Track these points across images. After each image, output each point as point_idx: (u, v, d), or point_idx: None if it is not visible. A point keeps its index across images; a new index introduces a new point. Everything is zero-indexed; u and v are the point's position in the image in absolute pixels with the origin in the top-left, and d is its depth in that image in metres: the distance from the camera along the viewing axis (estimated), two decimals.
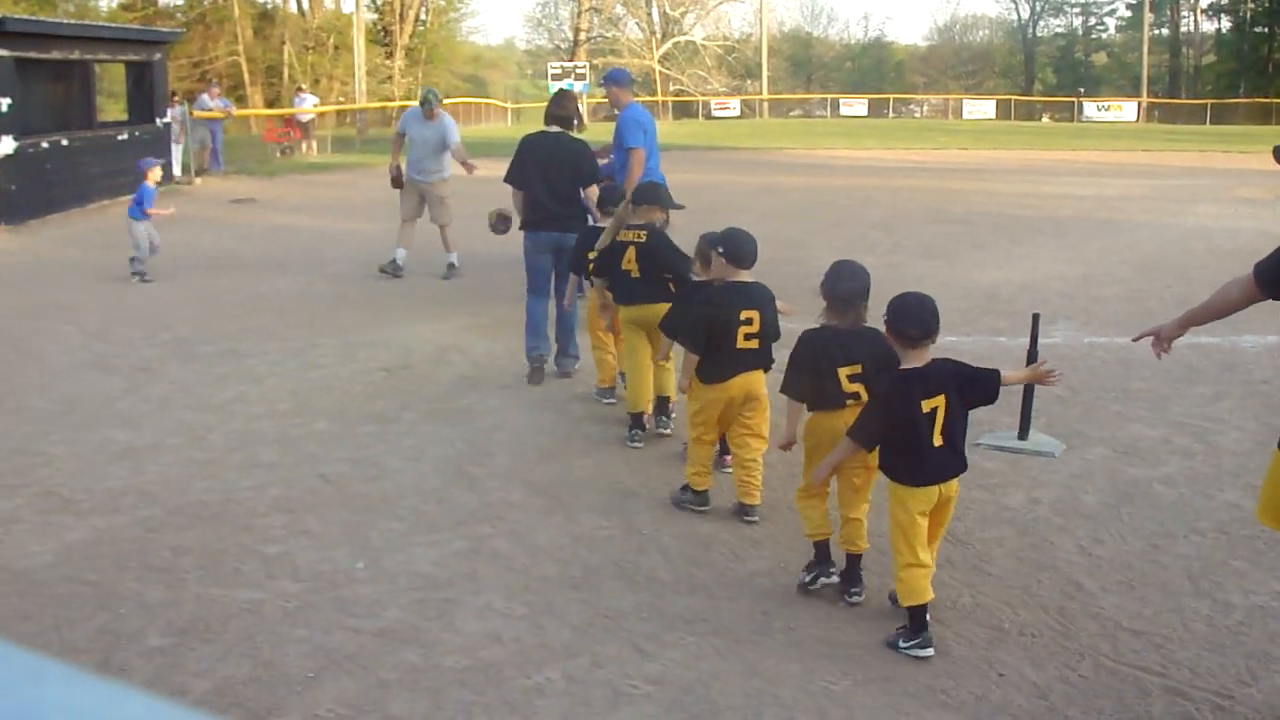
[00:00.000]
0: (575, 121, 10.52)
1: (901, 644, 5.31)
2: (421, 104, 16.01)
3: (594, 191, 9.99)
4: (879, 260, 15.55)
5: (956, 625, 5.50)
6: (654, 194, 8.78)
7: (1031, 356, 8.20)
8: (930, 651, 5.27)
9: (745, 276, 6.91)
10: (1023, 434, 8.21)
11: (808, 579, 5.97)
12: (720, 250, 6.92)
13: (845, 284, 5.92)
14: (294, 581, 6.01)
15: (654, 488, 7.44)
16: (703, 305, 6.96)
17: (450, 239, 15.99)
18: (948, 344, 7.98)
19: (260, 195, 26.41)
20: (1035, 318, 8.45)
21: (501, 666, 5.12)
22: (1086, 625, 5.55)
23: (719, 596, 5.83)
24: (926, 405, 5.25)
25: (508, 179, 10.31)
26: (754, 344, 6.83)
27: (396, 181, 15.93)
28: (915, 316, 5.38)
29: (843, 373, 5.88)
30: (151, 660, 5.19)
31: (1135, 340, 5.55)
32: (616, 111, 11.96)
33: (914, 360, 5.41)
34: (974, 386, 5.45)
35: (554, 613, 5.65)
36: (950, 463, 5.41)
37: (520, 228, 10.32)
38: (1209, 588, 5.91)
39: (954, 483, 5.46)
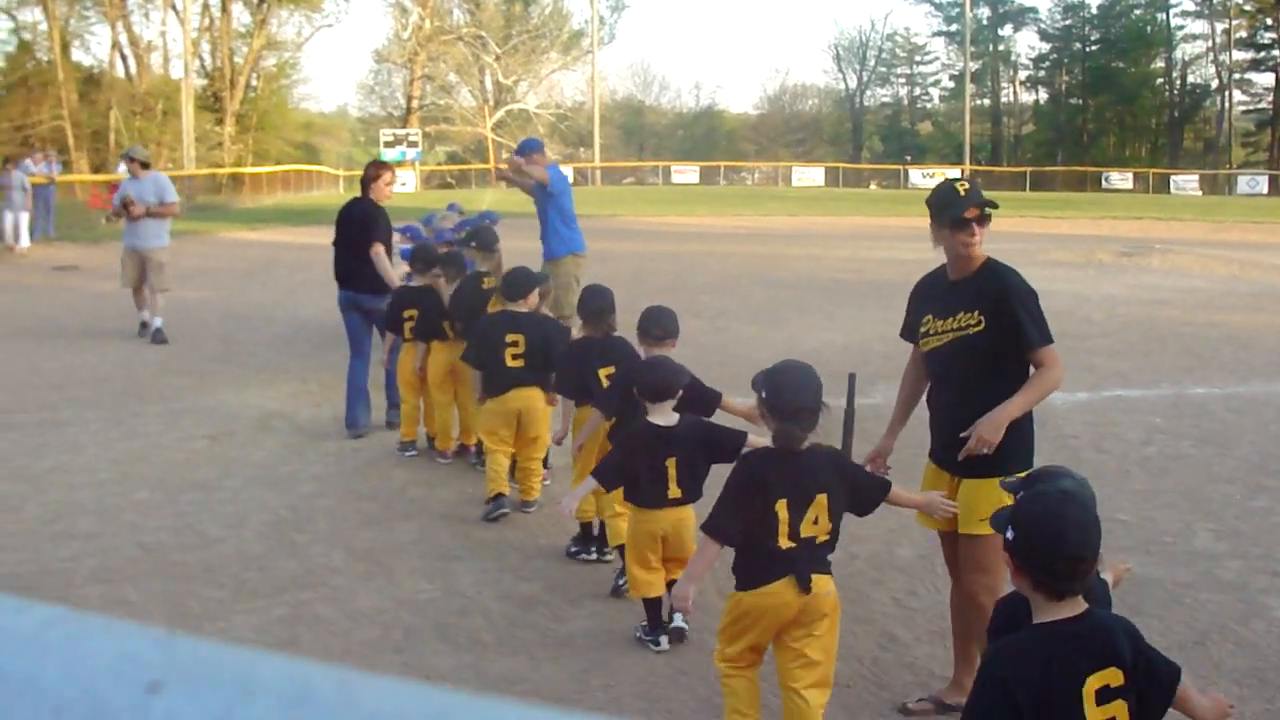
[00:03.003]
0: (370, 185, 11.00)
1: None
2: (126, 158, 16.03)
3: (378, 248, 10.55)
4: (706, 324, 15.82)
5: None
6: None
7: (848, 414, 8.40)
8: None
9: (519, 307, 8.27)
10: None
11: (573, 549, 7.35)
12: (499, 287, 8.66)
13: (594, 301, 7.36)
14: None
15: (477, 550, 7.47)
16: (478, 329, 8.47)
17: (161, 304, 15.87)
18: None
19: (84, 262, 25.91)
20: (851, 377, 8.62)
21: None
22: (900, 675, 5.70)
23: (540, 657, 5.88)
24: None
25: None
26: (521, 363, 8.10)
27: (129, 204, 15.53)
28: (656, 320, 6.59)
29: (601, 373, 7.15)
30: None
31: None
32: (532, 178, 12.08)
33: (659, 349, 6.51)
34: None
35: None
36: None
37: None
38: None
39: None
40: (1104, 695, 3.19)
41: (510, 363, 8.10)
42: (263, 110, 79.01)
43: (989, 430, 4.90)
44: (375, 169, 11.12)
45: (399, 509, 8.35)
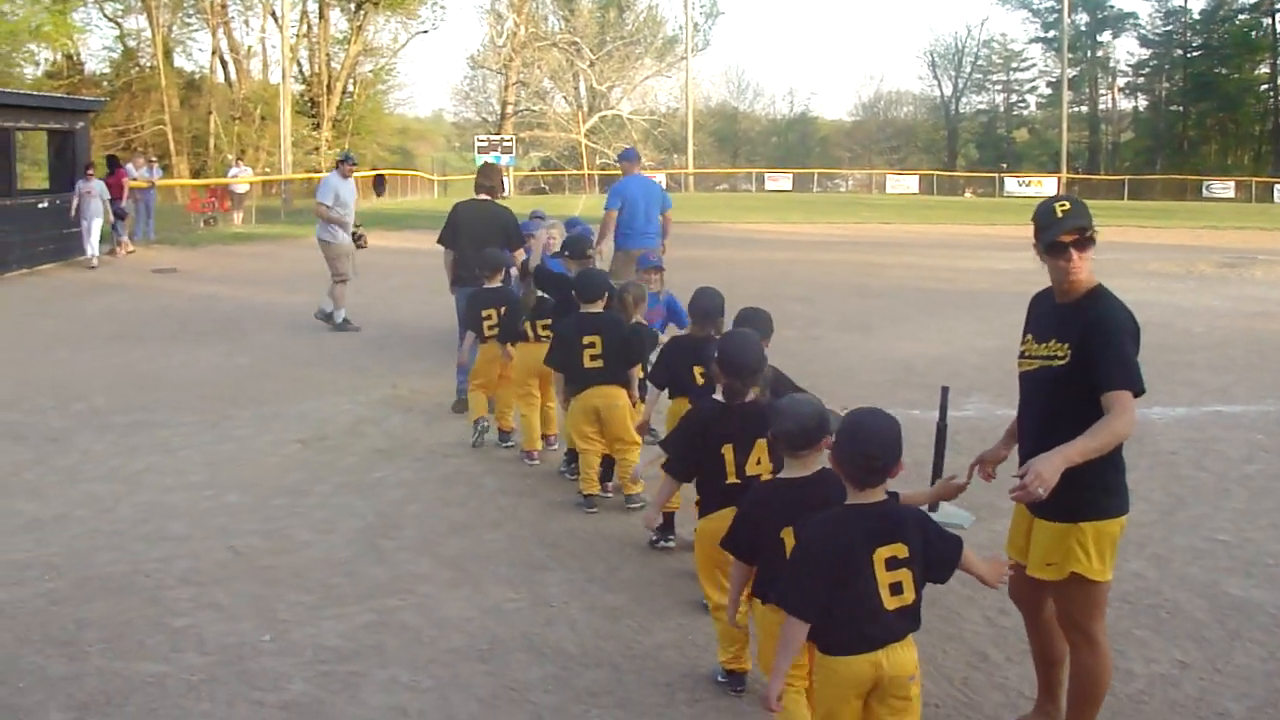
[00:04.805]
0: (499, 190, 11.90)
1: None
2: (347, 161, 16.99)
3: (519, 254, 11.27)
4: (798, 333, 15.71)
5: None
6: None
7: (940, 429, 8.31)
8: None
9: (595, 308, 8.61)
10: (933, 506, 8.26)
11: (654, 539, 7.64)
12: (574, 290, 8.85)
13: (703, 302, 7.56)
14: (199, 654, 5.95)
15: (564, 560, 7.44)
16: (559, 332, 8.80)
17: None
18: None
19: (182, 265, 26.28)
20: (944, 390, 8.55)
21: None
22: (991, 696, 5.60)
23: (625, 669, 5.84)
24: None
25: (440, 240, 11.65)
26: (599, 364, 8.40)
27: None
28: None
29: (696, 370, 7.35)
30: None
31: (967, 480, 5.47)
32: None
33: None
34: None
35: (460, 685, 5.63)
36: None
37: (452, 284, 11.69)
38: (1113, 657, 5.96)
39: None
40: (892, 563, 4.16)
41: (588, 363, 8.40)
42: (359, 115, 79.81)
43: (1048, 470, 4.36)
44: (500, 174, 12.10)
45: (488, 517, 8.34)
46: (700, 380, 7.29)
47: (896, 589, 4.16)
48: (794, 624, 4.18)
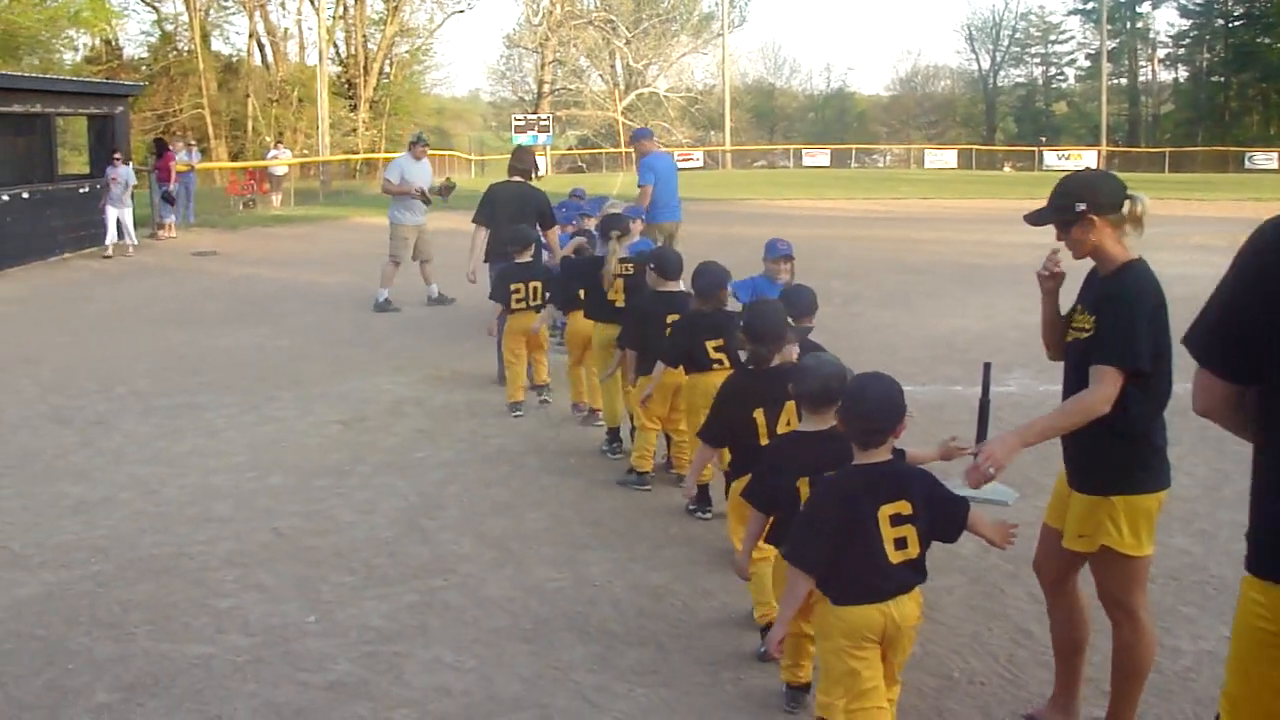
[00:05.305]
0: (533, 172, 12.33)
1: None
2: (419, 143, 17.12)
3: (553, 234, 11.97)
4: (837, 310, 15.66)
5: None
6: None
7: (983, 405, 8.27)
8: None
9: (673, 287, 8.55)
10: (976, 483, 8.21)
11: (691, 508, 7.85)
12: (651, 266, 8.69)
13: (707, 277, 7.70)
14: (244, 636, 5.99)
15: (607, 539, 7.45)
16: (639, 311, 8.65)
17: (431, 273, 17.27)
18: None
19: (222, 248, 26.38)
20: (986, 367, 8.51)
21: (451, 719, 5.11)
22: (1036, 673, 5.57)
23: (669, 648, 5.84)
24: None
25: (475, 219, 12.01)
26: None
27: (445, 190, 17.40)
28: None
29: (709, 344, 7.49)
30: (99, 717, 5.15)
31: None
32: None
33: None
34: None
35: (504, 665, 5.64)
36: None
37: (484, 260, 12.05)
38: (1158, 634, 5.91)
39: None
40: (896, 520, 4.39)
41: None
42: (395, 96, 79.77)
43: (1000, 450, 4.40)
44: (534, 157, 12.60)
45: (530, 496, 8.35)
46: (713, 355, 7.47)
47: (901, 544, 4.41)
48: (799, 577, 4.51)
